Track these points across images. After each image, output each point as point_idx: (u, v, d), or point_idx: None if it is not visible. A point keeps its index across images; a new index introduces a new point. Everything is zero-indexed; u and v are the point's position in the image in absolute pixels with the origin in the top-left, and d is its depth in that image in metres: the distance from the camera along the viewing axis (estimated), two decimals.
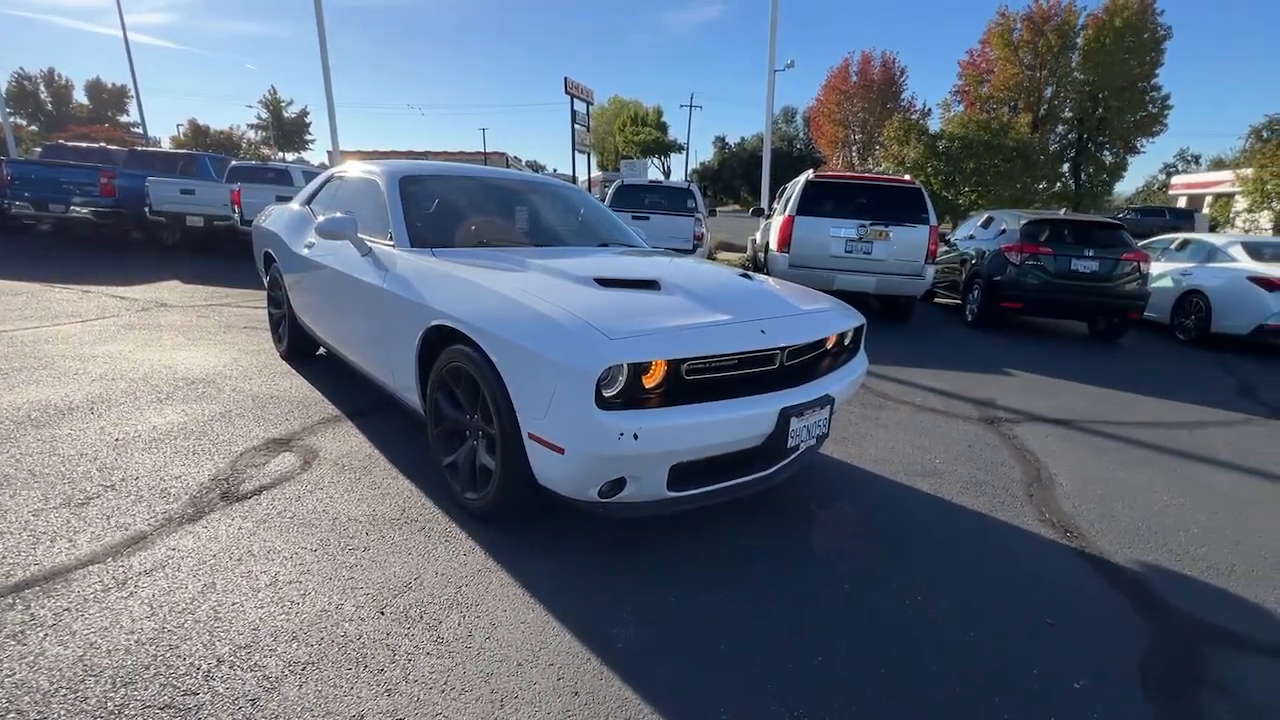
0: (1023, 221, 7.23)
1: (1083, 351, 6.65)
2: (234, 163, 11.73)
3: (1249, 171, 20.13)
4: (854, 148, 42.70)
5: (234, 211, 9.31)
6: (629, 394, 1.91)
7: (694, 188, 10.05)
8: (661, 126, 56.98)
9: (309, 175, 11.67)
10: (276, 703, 1.50)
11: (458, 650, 1.71)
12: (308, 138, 51.69)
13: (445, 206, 3.25)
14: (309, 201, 4.05)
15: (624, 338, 1.91)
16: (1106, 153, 32.52)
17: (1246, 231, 20.71)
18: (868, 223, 6.91)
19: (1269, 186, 14.25)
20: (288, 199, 8.61)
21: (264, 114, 49.59)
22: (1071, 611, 2.06)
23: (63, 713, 1.42)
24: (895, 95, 41.09)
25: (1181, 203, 39.28)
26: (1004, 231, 7.49)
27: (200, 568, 2.00)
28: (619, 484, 2.01)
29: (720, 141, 68.51)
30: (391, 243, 2.92)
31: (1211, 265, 7.27)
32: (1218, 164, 43.96)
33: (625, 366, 1.87)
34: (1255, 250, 7.08)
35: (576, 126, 24.04)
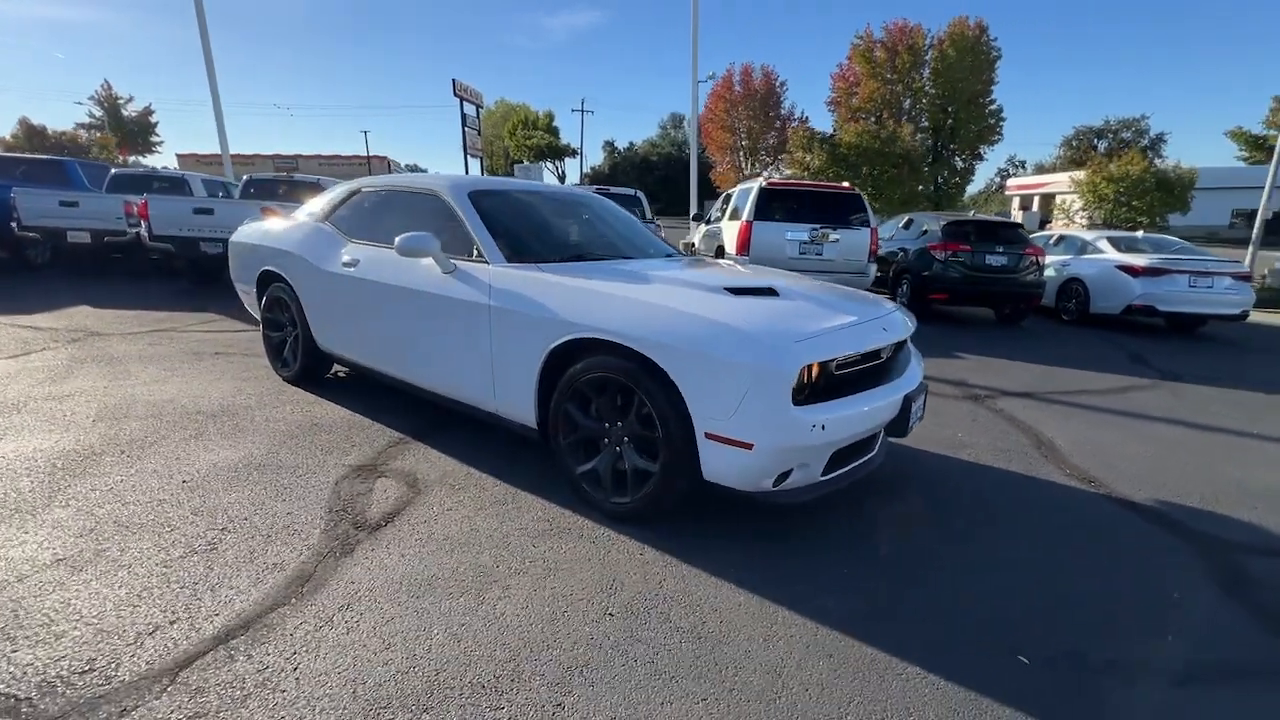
0: (942, 223, 8.20)
1: (999, 335, 7.69)
2: (115, 170, 10.40)
3: (1082, 174, 23.75)
4: (741, 153, 44.97)
5: (140, 225, 8.31)
6: (809, 390, 2.14)
7: (640, 195, 10.28)
8: (553, 130, 56.82)
9: (211, 185, 10.65)
10: (580, 703, 1.57)
11: (704, 636, 1.85)
12: (153, 139, 45.95)
13: (518, 221, 3.27)
14: (327, 218, 3.85)
15: (806, 339, 2.13)
16: (957, 159, 36.74)
17: (1068, 225, 24.45)
18: (818, 226, 7.53)
19: (1100, 189, 17.05)
20: (208, 211, 7.93)
21: (97, 112, 43.46)
22: (1133, 542, 2.56)
23: None
24: (776, 105, 43.87)
25: (1015, 203, 45.36)
26: (926, 232, 8.45)
27: (398, 594, 1.97)
28: (786, 473, 2.23)
29: (610, 146, 69.39)
30: (481, 259, 2.92)
31: (1085, 257, 8.66)
32: (1040, 169, 51.11)
33: (811, 366, 2.10)
34: (1117, 243, 8.55)
35: (467, 130, 23.51)
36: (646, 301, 2.38)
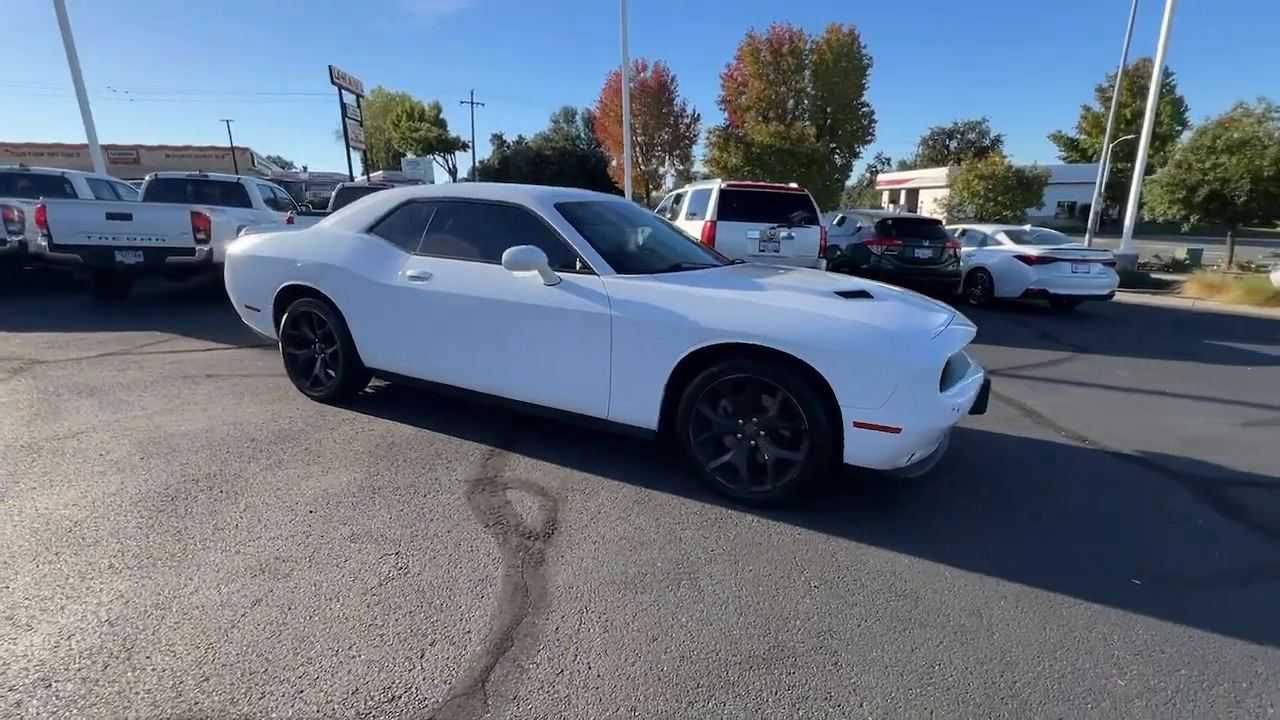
0: (876, 220, 9.08)
1: None
2: None
3: (944, 171, 26.68)
4: (636, 148, 45.67)
5: (23, 233, 7.22)
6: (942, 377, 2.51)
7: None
8: (441, 123, 54.44)
9: (97, 184, 9.43)
10: (851, 658, 1.83)
11: (903, 594, 2.16)
12: None
13: (604, 232, 3.37)
14: (372, 229, 3.70)
15: (938, 336, 2.50)
16: (838, 156, 39.77)
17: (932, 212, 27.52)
18: (775, 225, 8.08)
19: (973, 186, 19.40)
20: (125, 216, 7.02)
21: None
22: (1146, 487, 3.19)
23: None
24: (669, 101, 44.97)
25: (885, 197, 49.86)
26: (860, 229, 9.31)
27: (620, 592, 2.10)
28: (914, 452, 2.59)
29: (498, 139, 67.65)
30: (587, 271, 3.02)
31: (987, 248, 9.95)
32: (903, 165, 56.34)
33: (950, 358, 2.46)
34: (1014, 236, 9.91)
35: (349, 120, 22.22)
36: (787, 308, 2.63)
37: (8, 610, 1.90)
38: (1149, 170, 24.07)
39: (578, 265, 3.06)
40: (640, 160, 45.14)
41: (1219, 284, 11.61)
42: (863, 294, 2.97)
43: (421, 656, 1.78)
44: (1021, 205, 19.66)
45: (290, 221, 8.77)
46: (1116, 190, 39.50)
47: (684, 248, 3.82)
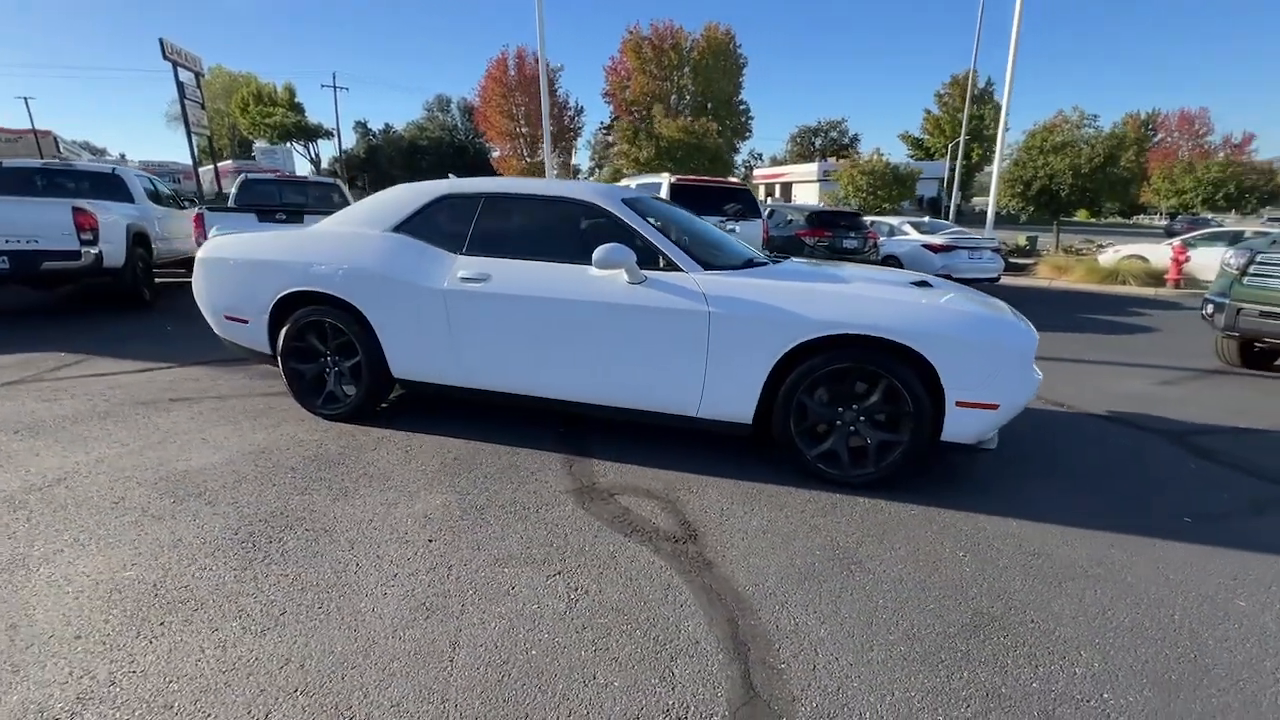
0: (806, 213, 9.66)
1: None
2: None
3: (814, 165, 28.75)
4: (521, 140, 44.59)
5: None
6: None
7: (340, 184, 9.28)
8: (296, 108, 49.48)
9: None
10: (1049, 607, 2.02)
11: (1038, 553, 2.40)
12: None
13: (673, 228, 3.31)
14: (400, 228, 3.37)
15: (1023, 320, 2.76)
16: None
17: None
18: (723, 218, 8.33)
19: (856, 180, 21.16)
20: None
21: None
22: (1130, 441, 3.74)
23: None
24: (552, 92, 44.28)
25: (760, 191, 52.75)
26: (791, 221, 9.85)
27: (809, 582, 2.15)
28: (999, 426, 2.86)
29: (362, 127, 62.96)
30: (672, 269, 2.98)
31: (896, 238, 10.95)
32: (774, 160, 59.80)
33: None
34: (916, 227, 10.98)
35: (188, 102, 19.89)
36: (893, 299, 2.78)
37: (166, 700, 1.57)
38: (979, 167, 27.55)
39: (661, 263, 3.01)
40: (525, 152, 44.10)
41: (1066, 266, 13.64)
42: (924, 284, 3.20)
43: (671, 674, 1.72)
44: (898, 199, 21.76)
45: (194, 217, 7.68)
46: (964, 184, 44.64)
47: (730, 241, 3.85)
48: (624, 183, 9.35)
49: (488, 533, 2.42)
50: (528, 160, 43.89)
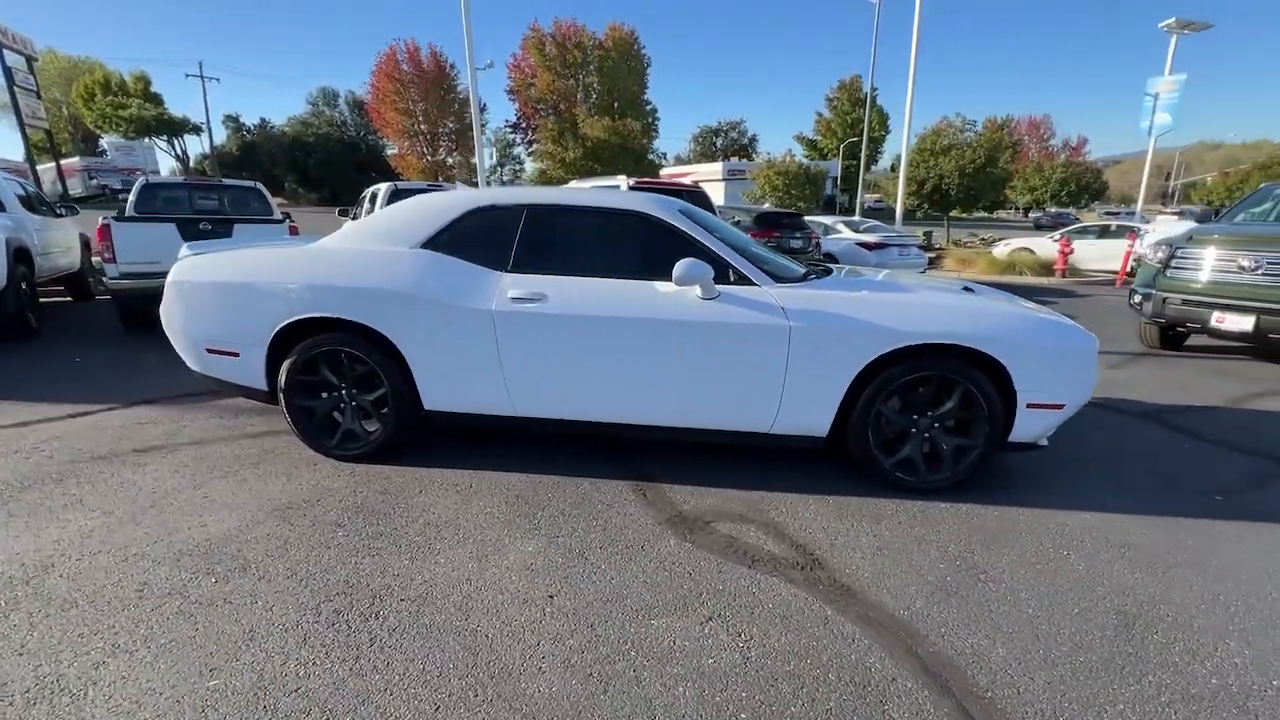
0: (754, 214, 9.85)
1: None
2: None
3: (718, 166, 29.64)
4: (421, 138, 42.53)
5: None
6: None
7: (260, 188, 8.07)
8: (154, 99, 44.17)
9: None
10: (1159, 590, 2.13)
11: (1125, 545, 2.54)
12: None
13: (731, 240, 3.19)
14: (430, 244, 3.02)
15: (1078, 322, 2.92)
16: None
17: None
18: None
19: (772, 180, 21.97)
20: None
21: None
22: (1120, 425, 4.10)
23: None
24: (451, 89, 42.52)
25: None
26: (738, 222, 10.00)
27: (960, 602, 2.14)
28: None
29: (234, 122, 57.51)
30: (744, 283, 2.88)
31: (831, 237, 11.44)
32: (678, 160, 60.97)
33: None
34: (850, 225, 11.53)
35: (19, 90, 17.57)
36: (962, 307, 2.83)
37: None
38: (867, 167, 29.66)
39: (731, 277, 2.90)
40: (426, 150, 42.09)
41: (969, 259, 14.90)
42: (969, 290, 3.32)
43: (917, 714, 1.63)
44: (811, 198, 22.84)
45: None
46: (849, 183, 47.55)
47: (771, 251, 3.78)
48: (573, 184, 9.09)
49: (606, 580, 2.21)
50: (429, 158, 41.95)
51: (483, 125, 44.69)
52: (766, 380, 2.85)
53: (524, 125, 43.28)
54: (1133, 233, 12.98)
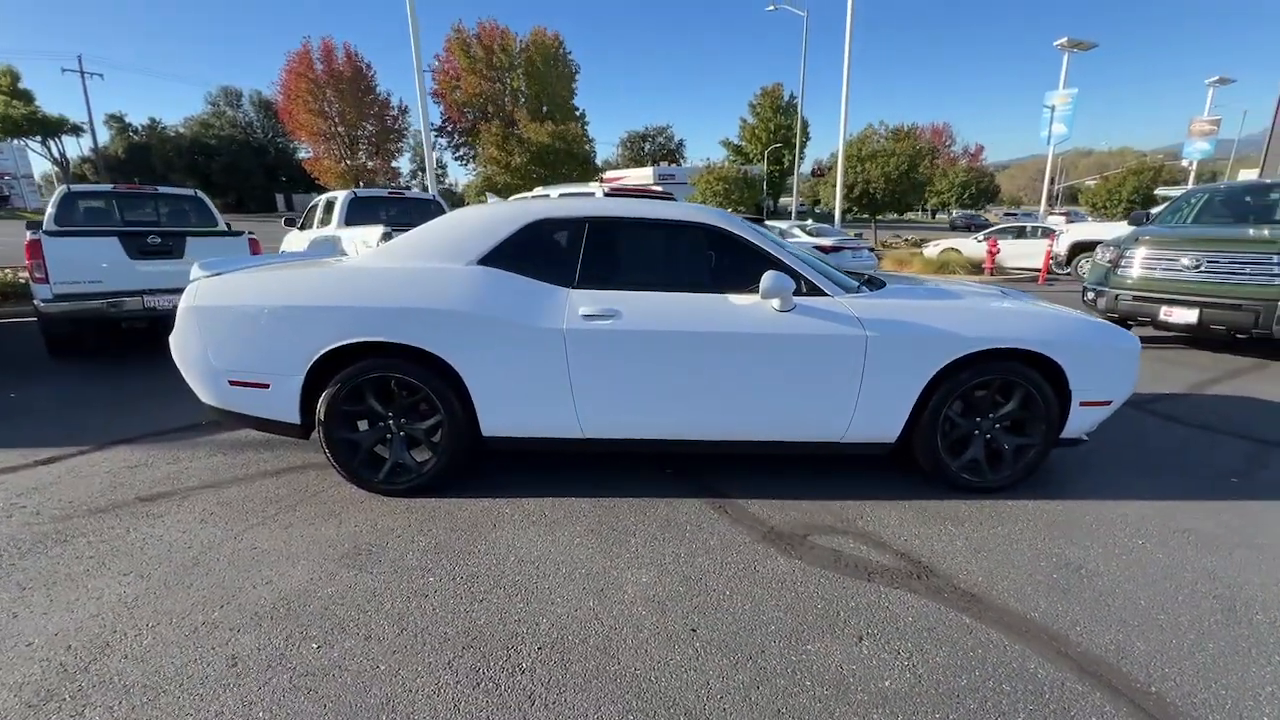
0: None
1: None
2: None
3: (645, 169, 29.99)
4: (337, 140, 40.34)
5: None
6: None
7: (201, 195, 7.44)
8: (22, 95, 39.57)
9: None
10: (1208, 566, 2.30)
11: (1194, 531, 2.72)
12: None
13: (795, 251, 3.17)
14: (485, 259, 2.84)
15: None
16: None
17: None
18: None
19: (714, 186, 22.39)
20: None
21: None
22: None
23: None
24: (369, 90, 40.61)
25: (600, 194, 53.59)
26: None
27: (1066, 597, 2.22)
28: None
29: (118, 122, 52.57)
30: (816, 293, 2.89)
31: (789, 240, 11.75)
32: (607, 164, 61.02)
33: None
34: (805, 230, 11.89)
35: None
36: (1021, 312, 2.95)
37: None
38: (789, 172, 30.94)
39: (803, 288, 2.90)
40: (345, 154, 39.99)
41: (905, 259, 15.77)
42: (1004, 294, 3.47)
43: None
44: (749, 202, 23.45)
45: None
46: (773, 187, 49.18)
47: (823, 263, 3.79)
48: (538, 190, 8.86)
49: (738, 607, 2.14)
50: (347, 163, 39.90)
51: (405, 129, 43.10)
52: (843, 390, 2.86)
53: (450, 129, 41.95)
54: (1052, 234, 14.13)
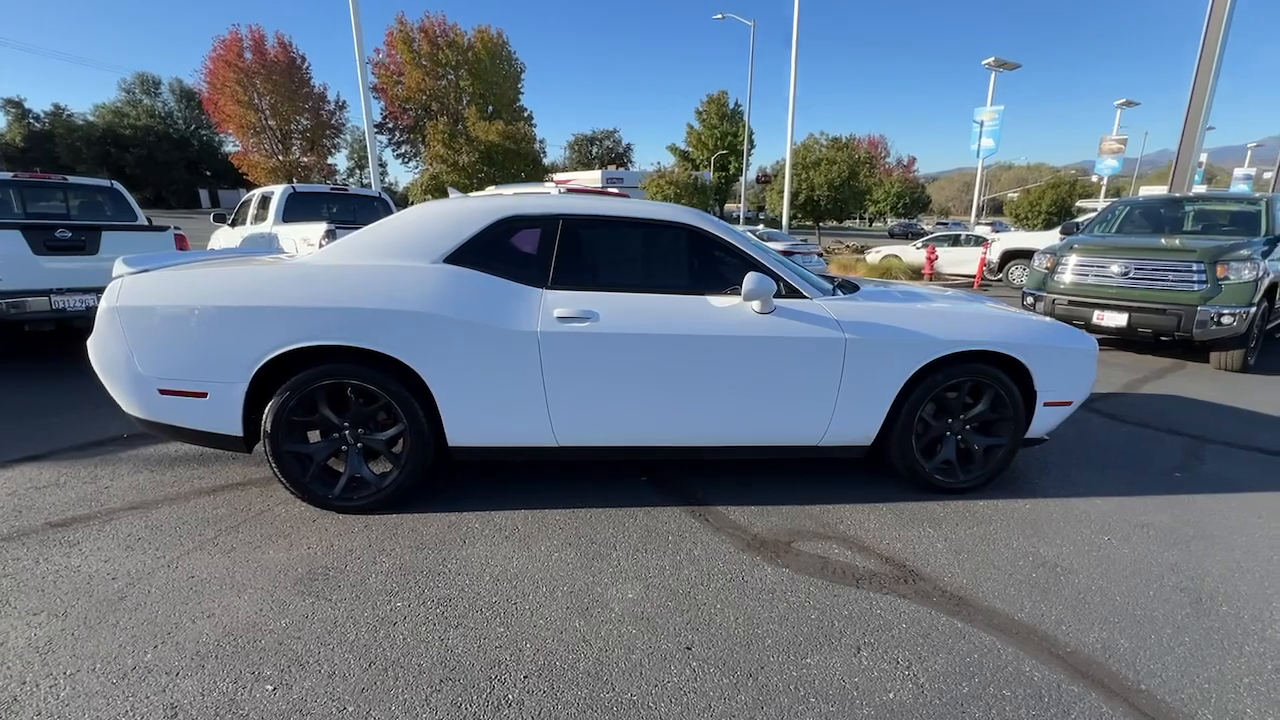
0: None
1: None
2: None
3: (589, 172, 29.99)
4: (269, 134, 38.32)
5: None
6: None
7: (120, 188, 6.90)
8: None
9: None
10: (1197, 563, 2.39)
11: (1186, 522, 2.82)
12: None
13: (772, 252, 3.11)
14: (453, 258, 2.66)
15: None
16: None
17: None
18: None
19: (665, 190, 22.44)
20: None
21: None
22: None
23: None
24: (304, 83, 38.77)
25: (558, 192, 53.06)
26: None
27: (1075, 609, 2.24)
28: None
29: (17, 108, 48.37)
30: (795, 296, 2.85)
31: None
32: (553, 167, 60.52)
33: None
34: (764, 237, 12.04)
35: None
36: (989, 315, 3.00)
37: None
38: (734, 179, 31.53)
39: (781, 289, 2.85)
40: (277, 149, 38.01)
41: (850, 265, 16.23)
42: (975, 299, 3.54)
43: None
44: (700, 207, 23.71)
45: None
46: (720, 193, 49.96)
47: (796, 265, 3.77)
48: (490, 190, 8.60)
49: (730, 621, 2.05)
50: (280, 158, 37.95)
51: (343, 124, 41.41)
52: (822, 392, 2.83)
53: (391, 125, 40.52)
54: (985, 242, 14.86)
